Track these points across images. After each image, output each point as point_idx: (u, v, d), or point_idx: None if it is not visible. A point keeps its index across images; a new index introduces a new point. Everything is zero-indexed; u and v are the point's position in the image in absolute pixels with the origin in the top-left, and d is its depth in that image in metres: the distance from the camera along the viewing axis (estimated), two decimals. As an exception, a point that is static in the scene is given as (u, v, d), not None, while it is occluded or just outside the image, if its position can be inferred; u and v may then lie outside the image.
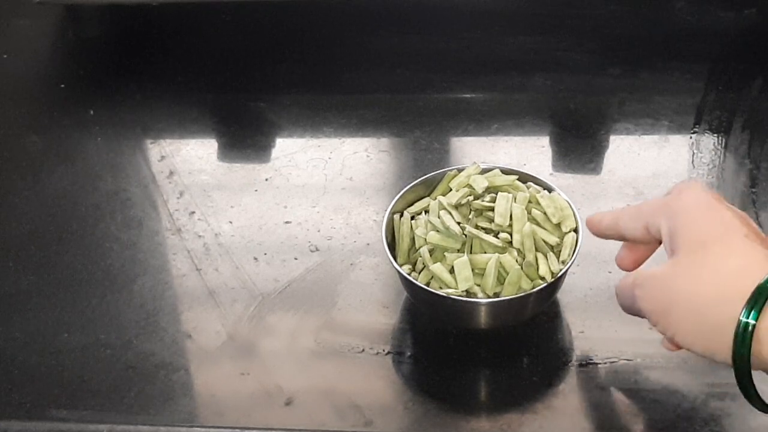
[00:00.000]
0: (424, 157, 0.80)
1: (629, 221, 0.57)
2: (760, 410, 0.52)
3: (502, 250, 0.63)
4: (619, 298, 0.58)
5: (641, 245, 0.59)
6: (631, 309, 0.56)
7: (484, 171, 0.67)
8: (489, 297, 0.62)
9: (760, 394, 0.51)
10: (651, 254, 0.59)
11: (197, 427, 0.62)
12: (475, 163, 0.68)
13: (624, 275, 0.58)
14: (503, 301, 0.62)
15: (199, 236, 0.75)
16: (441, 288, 0.62)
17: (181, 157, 0.82)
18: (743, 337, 0.48)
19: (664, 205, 0.55)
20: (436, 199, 0.66)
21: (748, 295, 0.48)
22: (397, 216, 0.67)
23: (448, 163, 0.80)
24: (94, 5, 0.94)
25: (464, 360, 0.65)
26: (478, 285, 0.62)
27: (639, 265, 0.59)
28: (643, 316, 0.55)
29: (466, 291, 0.62)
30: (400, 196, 0.67)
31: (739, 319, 0.48)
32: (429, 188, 0.68)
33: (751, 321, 0.48)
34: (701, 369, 0.63)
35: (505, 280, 0.62)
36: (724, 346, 0.49)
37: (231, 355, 0.66)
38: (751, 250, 0.50)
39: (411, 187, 0.68)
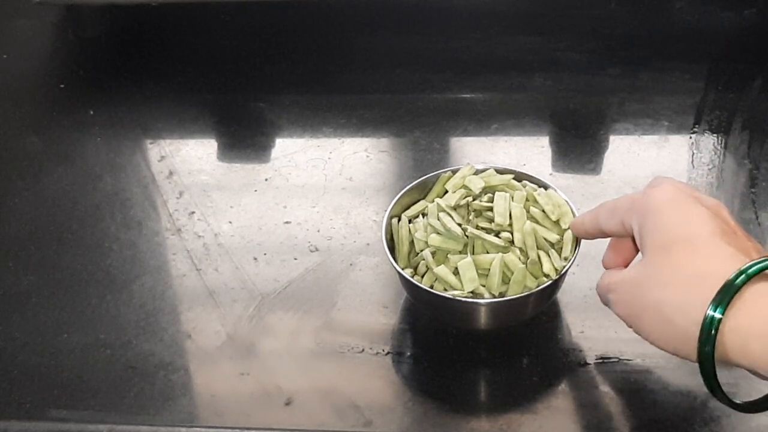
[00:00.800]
0: (423, 158, 0.80)
1: (607, 218, 0.57)
2: (728, 406, 0.52)
3: (504, 250, 0.63)
4: (600, 297, 0.59)
5: (626, 245, 0.59)
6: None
7: (478, 171, 0.67)
8: (495, 297, 0.62)
9: (728, 394, 0.51)
10: (637, 253, 0.59)
11: (197, 427, 0.62)
12: (468, 163, 0.68)
13: (601, 275, 0.58)
14: (504, 300, 0.62)
15: (199, 236, 0.75)
16: (446, 290, 0.62)
17: (180, 157, 0.82)
18: (707, 336, 0.48)
19: (634, 202, 0.54)
20: (432, 201, 0.66)
21: (712, 297, 0.47)
22: (395, 220, 0.66)
23: (448, 163, 0.80)
24: (94, 5, 0.94)
25: (464, 360, 0.65)
26: (483, 285, 0.62)
27: (627, 264, 0.59)
28: None
29: (472, 292, 0.62)
30: (397, 200, 0.67)
31: (704, 318, 0.48)
32: (424, 191, 0.68)
33: (717, 317, 0.47)
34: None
35: (509, 279, 0.62)
36: (691, 347, 0.49)
37: (231, 355, 0.66)
38: (715, 249, 0.49)
39: (406, 191, 0.68)
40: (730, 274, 0.47)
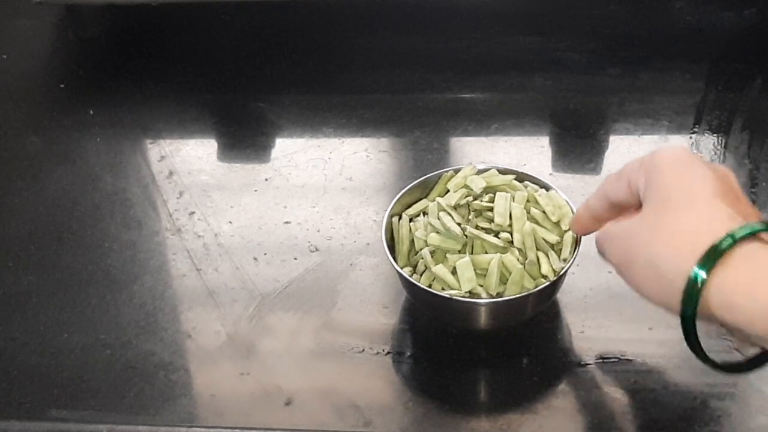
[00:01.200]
0: (423, 157, 0.80)
1: (614, 182, 0.57)
2: (708, 365, 0.53)
3: (503, 250, 0.63)
4: (597, 247, 0.59)
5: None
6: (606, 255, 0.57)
7: (480, 171, 0.67)
8: (492, 297, 0.62)
9: (708, 353, 0.52)
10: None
11: (197, 427, 0.62)
12: (470, 163, 0.68)
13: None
14: (504, 301, 0.62)
15: (199, 236, 0.75)
16: (443, 289, 0.62)
17: (180, 157, 0.82)
18: (691, 292, 0.48)
19: (642, 162, 0.55)
20: (434, 200, 0.66)
21: (702, 253, 0.48)
22: (395, 219, 0.66)
23: (448, 163, 0.80)
24: (94, 5, 0.94)
25: (464, 360, 0.65)
26: (481, 285, 0.62)
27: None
28: None
29: (470, 292, 0.62)
30: (398, 199, 0.67)
31: (689, 275, 0.48)
32: (426, 190, 0.68)
33: (701, 277, 0.48)
34: (701, 369, 0.62)
35: (507, 279, 0.62)
36: (676, 300, 0.49)
37: (231, 355, 0.66)
38: (714, 209, 0.50)
39: (408, 190, 0.68)
40: (721, 235, 0.48)
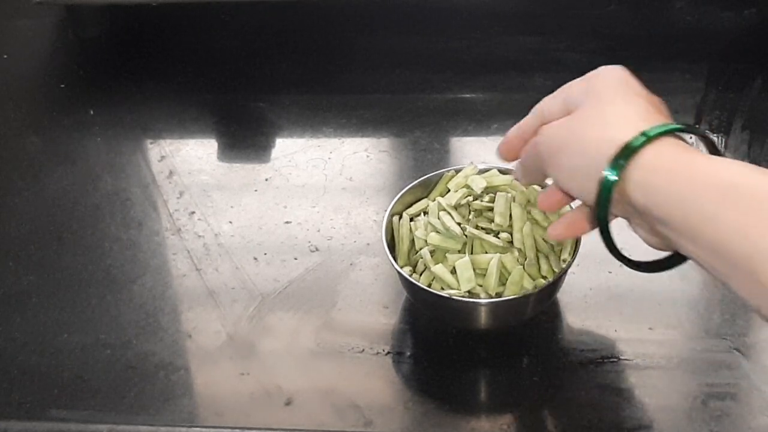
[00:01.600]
0: (424, 157, 0.80)
1: (551, 99, 0.58)
2: (622, 262, 0.55)
3: (503, 250, 0.63)
4: (523, 160, 0.60)
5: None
6: (532, 166, 0.58)
7: (482, 171, 0.67)
8: (491, 297, 0.62)
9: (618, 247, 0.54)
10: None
11: (197, 427, 0.62)
12: (471, 163, 0.68)
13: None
14: (504, 301, 0.62)
15: (199, 236, 0.75)
16: (443, 289, 0.62)
17: (181, 157, 0.82)
18: (604, 189, 0.50)
19: (582, 78, 0.57)
20: (434, 200, 0.66)
21: (616, 151, 0.50)
22: (396, 218, 0.66)
23: (448, 163, 0.80)
24: (94, 5, 0.94)
25: (464, 360, 0.65)
26: (480, 285, 0.62)
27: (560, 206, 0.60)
28: (542, 177, 0.58)
29: (469, 291, 0.62)
30: (399, 198, 0.67)
31: (602, 174, 0.50)
32: (427, 189, 0.68)
33: (612, 177, 0.50)
34: (701, 369, 0.63)
35: (506, 280, 0.62)
36: (593, 189, 0.51)
37: (231, 355, 0.66)
38: (640, 106, 0.52)
39: (409, 189, 0.68)
40: (635, 133, 0.50)
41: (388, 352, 0.65)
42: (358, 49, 0.93)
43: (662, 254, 0.55)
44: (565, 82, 0.86)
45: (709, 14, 0.92)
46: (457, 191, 0.66)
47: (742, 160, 0.78)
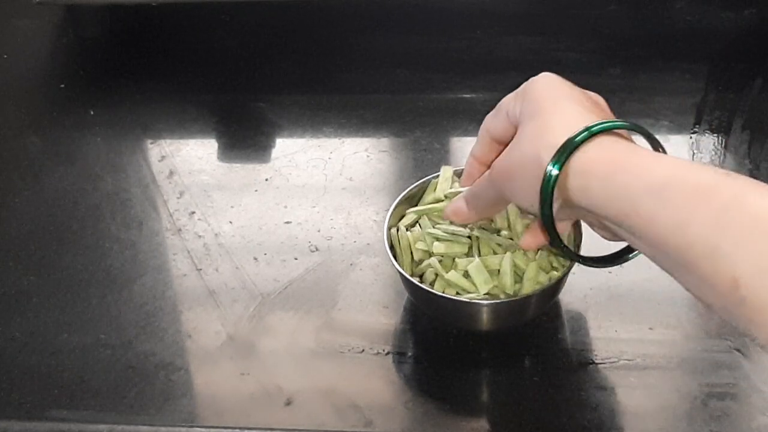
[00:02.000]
0: (424, 157, 0.80)
1: (492, 118, 0.59)
2: (568, 257, 0.58)
3: (511, 248, 0.63)
4: (477, 190, 0.60)
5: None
6: (486, 198, 0.59)
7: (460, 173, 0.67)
8: (510, 296, 0.62)
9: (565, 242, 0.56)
10: None
11: (197, 427, 0.62)
12: (447, 165, 0.68)
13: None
14: (507, 302, 0.62)
15: (199, 236, 0.75)
16: (458, 294, 0.62)
17: (181, 157, 0.82)
18: (546, 185, 0.51)
19: (517, 92, 0.57)
20: (429, 205, 0.66)
21: (557, 148, 0.50)
22: (394, 230, 0.66)
23: (448, 163, 0.79)
24: (94, 5, 0.94)
25: (464, 360, 0.65)
26: (496, 286, 0.62)
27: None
28: (492, 210, 0.60)
29: (488, 293, 0.62)
30: (392, 212, 0.66)
31: (545, 169, 0.51)
32: (415, 200, 0.68)
33: (553, 173, 0.50)
34: (701, 369, 0.63)
35: (520, 278, 0.62)
36: (538, 193, 0.52)
37: (231, 355, 0.66)
38: (574, 111, 0.53)
39: (400, 201, 0.67)
40: (577, 130, 0.50)
41: (389, 352, 0.65)
42: (358, 49, 0.93)
43: (616, 248, 0.57)
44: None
45: (709, 14, 0.92)
46: (447, 199, 0.66)
47: (742, 160, 0.78)
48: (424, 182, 0.68)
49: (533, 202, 0.53)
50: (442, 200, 0.66)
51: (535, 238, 0.58)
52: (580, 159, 0.50)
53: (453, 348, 0.65)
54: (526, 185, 0.53)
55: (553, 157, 0.50)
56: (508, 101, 0.57)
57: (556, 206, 0.52)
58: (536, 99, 0.54)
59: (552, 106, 0.53)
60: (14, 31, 0.99)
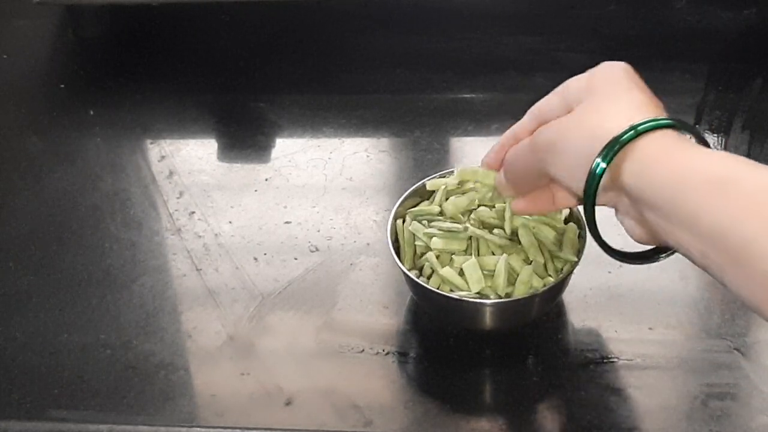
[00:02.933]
0: (424, 157, 0.80)
1: (550, 97, 0.59)
2: (607, 252, 0.55)
3: (508, 250, 0.63)
4: (512, 159, 0.59)
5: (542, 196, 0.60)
6: (522, 166, 0.58)
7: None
8: (500, 297, 0.62)
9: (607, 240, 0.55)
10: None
11: (197, 427, 0.62)
12: (456, 168, 0.68)
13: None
14: (511, 302, 0.62)
15: (199, 236, 0.75)
16: (451, 291, 0.62)
17: (181, 157, 0.82)
18: (592, 179, 0.51)
19: (582, 75, 0.57)
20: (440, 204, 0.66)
21: (605, 144, 0.50)
22: (399, 221, 0.66)
23: (448, 163, 0.80)
24: (94, 5, 0.94)
25: (464, 360, 0.65)
26: (489, 286, 0.62)
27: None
28: (527, 184, 0.59)
29: (479, 292, 0.62)
30: (401, 202, 0.67)
31: (593, 161, 0.50)
32: (426, 194, 0.68)
33: (600, 167, 0.50)
34: (701, 369, 0.63)
35: (515, 280, 0.62)
36: (582, 179, 0.51)
37: (231, 355, 0.66)
38: (636, 99, 0.53)
39: (411, 192, 0.67)
40: (624, 127, 0.50)
41: (389, 352, 0.65)
42: (358, 49, 0.93)
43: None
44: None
45: (709, 14, 0.92)
46: (460, 197, 0.66)
47: (742, 160, 0.77)
48: (442, 175, 0.68)
49: (575, 181, 0.52)
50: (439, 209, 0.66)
51: (528, 204, 0.58)
52: (633, 151, 0.50)
53: (453, 348, 0.65)
54: (573, 163, 0.53)
55: (601, 151, 0.50)
56: (570, 83, 0.57)
57: (599, 189, 0.51)
58: (599, 84, 0.54)
59: (612, 92, 0.53)
60: (14, 31, 0.99)
